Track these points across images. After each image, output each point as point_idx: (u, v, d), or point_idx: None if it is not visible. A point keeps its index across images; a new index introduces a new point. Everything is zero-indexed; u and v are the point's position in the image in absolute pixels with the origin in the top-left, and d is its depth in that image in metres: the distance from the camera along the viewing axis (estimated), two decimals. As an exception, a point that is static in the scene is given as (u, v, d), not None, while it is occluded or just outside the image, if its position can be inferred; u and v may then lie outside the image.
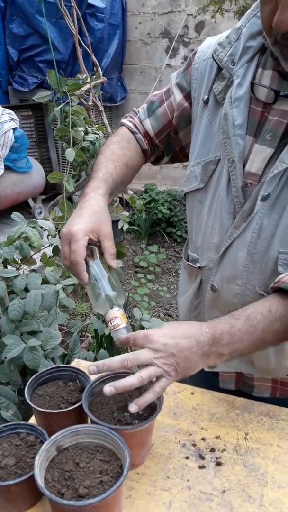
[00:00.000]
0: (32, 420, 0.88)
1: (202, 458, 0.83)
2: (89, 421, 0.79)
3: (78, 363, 1.08)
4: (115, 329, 0.81)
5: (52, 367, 0.90)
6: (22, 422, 0.79)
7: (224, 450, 0.85)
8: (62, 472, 0.69)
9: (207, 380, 1.02)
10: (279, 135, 0.80)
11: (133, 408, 0.73)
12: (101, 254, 0.87)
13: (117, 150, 0.98)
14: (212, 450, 0.85)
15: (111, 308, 0.82)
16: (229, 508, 0.74)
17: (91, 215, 0.84)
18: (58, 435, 0.72)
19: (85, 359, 1.54)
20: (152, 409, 0.80)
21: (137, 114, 1.06)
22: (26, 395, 0.82)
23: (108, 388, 0.72)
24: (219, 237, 0.88)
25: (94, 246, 0.87)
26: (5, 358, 1.23)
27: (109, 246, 0.85)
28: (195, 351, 0.74)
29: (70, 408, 0.79)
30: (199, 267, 0.94)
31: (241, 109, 0.82)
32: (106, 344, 2.06)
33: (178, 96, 0.99)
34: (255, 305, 0.78)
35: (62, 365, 0.91)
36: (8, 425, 0.78)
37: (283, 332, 0.76)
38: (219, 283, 0.90)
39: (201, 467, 0.81)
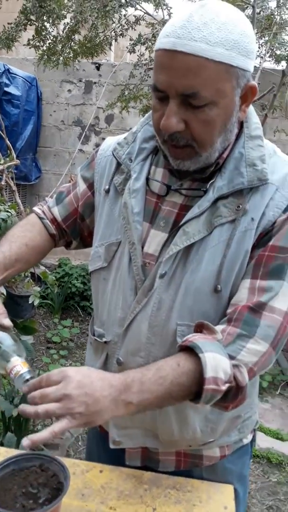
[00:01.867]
0: None
1: (110, 540, 0.82)
2: (-10, 511, 0.75)
3: (-20, 450, 1.02)
4: (17, 375, 0.80)
5: None
6: None
7: (133, 528, 0.85)
8: None
9: (113, 458, 1.02)
10: (171, 222, 0.93)
11: (26, 442, 0.72)
12: None
13: (18, 232, 1.08)
14: (121, 530, 0.84)
15: (10, 359, 0.82)
16: None
17: None
18: None
19: (-11, 446, 1.43)
20: (58, 491, 0.79)
21: (46, 203, 1.17)
22: None
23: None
24: (123, 311, 0.94)
25: None
26: None
27: None
28: (106, 395, 0.75)
29: None
30: (105, 342, 0.99)
31: (138, 199, 0.94)
32: (14, 427, 1.93)
33: (82, 186, 1.11)
34: (165, 359, 0.83)
35: None
36: None
37: (189, 387, 0.80)
38: (124, 356, 0.95)
39: None
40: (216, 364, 0.78)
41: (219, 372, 0.78)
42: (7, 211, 2.00)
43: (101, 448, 1.09)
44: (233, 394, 0.81)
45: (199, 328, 0.86)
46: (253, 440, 1.12)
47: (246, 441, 1.07)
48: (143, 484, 0.96)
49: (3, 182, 2.11)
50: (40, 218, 1.12)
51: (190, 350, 0.81)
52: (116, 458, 1.02)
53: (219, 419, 0.96)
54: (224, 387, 0.79)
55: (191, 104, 0.79)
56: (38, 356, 3.46)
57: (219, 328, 0.85)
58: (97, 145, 4.55)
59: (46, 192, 4.68)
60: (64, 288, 4.20)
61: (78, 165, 4.58)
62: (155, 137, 0.92)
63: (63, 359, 3.45)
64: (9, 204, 2.13)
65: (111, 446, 0.99)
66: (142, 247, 0.94)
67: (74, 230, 1.14)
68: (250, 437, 1.09)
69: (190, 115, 0.80)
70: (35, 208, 1.15)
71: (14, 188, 2.27)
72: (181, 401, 0.84)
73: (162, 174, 0.96)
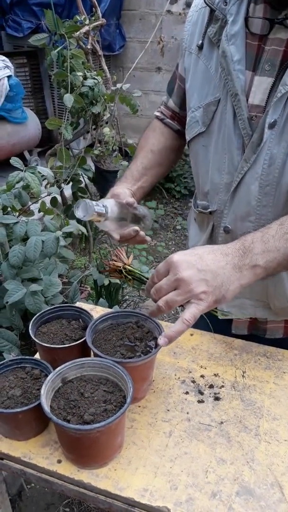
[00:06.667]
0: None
1: (201, 393, 0.86)
2: (92, 356, 0.81)
3: (80, 305, 1.09)
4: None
5: (55, 306, 0.91)
6: (27, 357, 0.81)
7: (222, 386, 0.88)
8: (67, 401, 0.71)
9: (219, 326, 1.02)
10: (277, 63, 0.80)
11: (162, 340, 0.71)
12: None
13: (141, 143, 1.10)
14: (211, 386, 0.88)
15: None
16: (227, 437, 0.77)
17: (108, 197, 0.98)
18: (63, 367, 0.74)
19: (85, 306, 1.56)
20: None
21: (163, 101, 1.12)
22: (30, 331, 0.84)
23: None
24: (228, 175, 0.87)
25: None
26: (7, 302, 1.24)
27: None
28: (223, 265, 0.70)
29: (74, 343, 0.81)
30: (210, 212, 0.94)
31: (238, 45, 0.82)
32: (105, 294, 2.08)
33: (181, 61, 0.99)
34: (286, 216, 0.76)
35: (65, 304, 0.92)
36: (14, 359, 0.80)
37: None
38: (232, 223, 0.90)
39: (200, 401, 0.85)
40: None
41: None
42: (94, 78, 1.89)
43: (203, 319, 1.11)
44: None
45: None
46: None
47: None
48: (233, 349, 0.98)
49: (88, 46, 1.96)
50: (161, 120, 1.10)
51: None
52: (221, 328, 1.00)
53: None
54: None
55: None
56: (124, 234, 3.59)
57: None
58: (188, 5, 4.00)
59: (130, 63, 4.36)
60: (149, 169, 4.14)
61: (166, 29, 4.15)
62: None
63: (148, 238, 3.55)
64: (95, 71, 2.00)
65: (220, 317, 0.99)
66: (247, 100, 0.83)
67: None
68: None
69: None
70: (155, 113, 1.13)
71: (100, 52, 2.10)
72: None
73: (263, 11, 0.81)
